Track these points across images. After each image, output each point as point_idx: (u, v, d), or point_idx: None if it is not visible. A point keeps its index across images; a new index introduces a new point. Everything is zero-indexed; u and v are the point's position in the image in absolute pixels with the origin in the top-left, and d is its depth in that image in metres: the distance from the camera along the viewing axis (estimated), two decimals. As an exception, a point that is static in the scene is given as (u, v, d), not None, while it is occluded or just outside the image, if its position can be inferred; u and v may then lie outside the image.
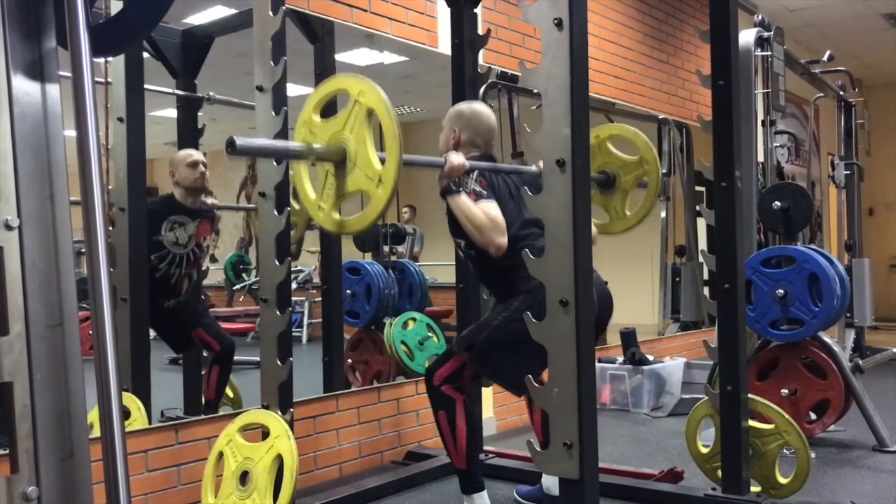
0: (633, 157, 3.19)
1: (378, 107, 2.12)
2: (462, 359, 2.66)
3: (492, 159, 2.78)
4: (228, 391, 3.69)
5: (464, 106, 2.84)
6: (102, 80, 2.86)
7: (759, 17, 4.22)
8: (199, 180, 3.39)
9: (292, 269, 3.12)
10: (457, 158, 2.53)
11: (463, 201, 2.53)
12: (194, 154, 3.41)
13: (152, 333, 3.40)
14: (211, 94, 3.69)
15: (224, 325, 4.52)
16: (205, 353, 3.57)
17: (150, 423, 2.89)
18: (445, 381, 2.65)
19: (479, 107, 2.84)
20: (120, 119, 3.00)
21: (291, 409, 2.47)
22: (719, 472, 2.81)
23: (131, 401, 2.82)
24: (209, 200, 3.53)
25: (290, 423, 2.39)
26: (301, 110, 2.32)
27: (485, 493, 2.70)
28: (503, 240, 2.51)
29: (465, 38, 3.37)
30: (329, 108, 2.35)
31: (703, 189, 6.40)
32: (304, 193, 2.35)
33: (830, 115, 6.45)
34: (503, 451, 3.46)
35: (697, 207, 6.32)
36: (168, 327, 3.45)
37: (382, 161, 2.13)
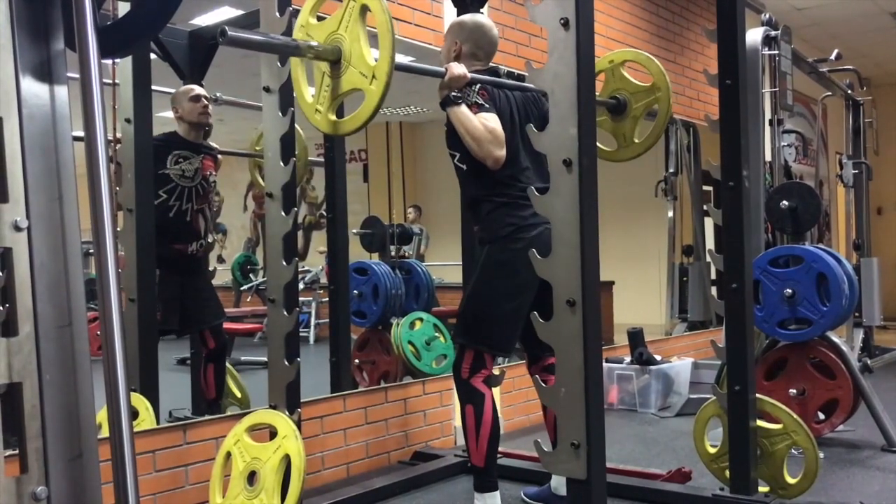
0: (646, 84, 3.16)
1: (372, 3, 2.10)
2: (470, 346, 2.68)
3: (495, 74, 2.76)
4: (236, 391, 3.70)
5: (466, 17, 2.81)
6: (110, 81, 2.88)
7: (767, 15, 4.21)
8: (202, 115, 3.40)
9: (299, 269, 3.13)
10: (458, 68, 2.50)
11: (463, 112, 2.52)
12: (196, 88, 3.42)
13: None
14: (218, 94, 3.70)
15: (232, 325, 4.53)
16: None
17: (158, 423, 2.90)
18: (472, 372, 2.65)
19: (482, 19, 2.81)
20: (128, 120, 3.01)
21: (299, 409, 2.47)
22: (727, 473, 2.80)
23: (139, 401, 2.83)
24: (211, 143, 3.55)
25: (298, 424, 2.40)
26: (300, 14, 2.29)
27: (497, 493, 2.68)
28: (501, 152, 2.51)
29: (472, 38, 3.36)
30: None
31: (710, 188, 6.40)
32: (302, 96, 2.33)
33: (838, 114, 6.43)
34: (510, 451, 3.46)
35: (705, 207, 6.31)
36: (188, 294, 3.43)
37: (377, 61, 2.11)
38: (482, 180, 2.61)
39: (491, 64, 2.79)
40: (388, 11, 2.07)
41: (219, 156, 3.64)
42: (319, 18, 2.27)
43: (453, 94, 2.54)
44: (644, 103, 3.15)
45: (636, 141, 3.19)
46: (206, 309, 3.55)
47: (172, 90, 3.54)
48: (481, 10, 3.42)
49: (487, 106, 2.54)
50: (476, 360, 2.65)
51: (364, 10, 2.12)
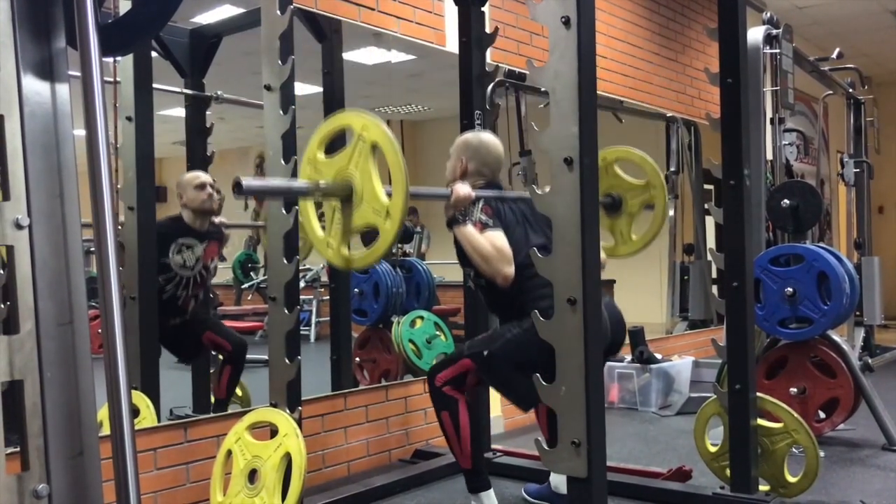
0: (640, 182, 3.18)
1: (382, 141, 2.15)
2: (467, 365, 2.63)
3: (498, 187, 2.79)
4: (237, 389, 3.70)
5: (471, 135, 2.85)
6: (111, 79, 2.88)
7: (768, 14, 4.21)
8: (206, 202, 3.39)
9: (300, 267, 3.12)
10: (462, 189, 2.54)
11: (469, 231, 2.53)
12: (202, 176, 3.41)
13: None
14: (219, 93, 3.70)
15: (232, 323, 4.53)
16: (214, 354, 3.58)
17: (159, 421, 2.90)
18: (447, 383, 2.64)
19: (487, 136, 2.84)
20: (129, 118, 3.01)
21: (300, 408, 2.47)
22: (728, 471, 2.80)
23: (140, 399, 2.84)
24: (217, 220, 3.53)
25: (299, 422, 2.40)
26: (307, 148, 2.35)
27: (491, 491, 2.69)
28: (510, 270, 2.51)
29: (473, 36, 3.37)
30: (335, 143, 2.36)
31: (711, 187, 6.39)
32: (312, 231, 2.37)
33: (840, 113, 6.42)
34: (511, 450, 3.46)
35: (706, 206, 6.31)
36: (175, 341, 3.45)
37: (389, 195, 2.14)
38: (504, 288, 2.57)
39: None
40: (399, 151, 2.11)
41: (226, 231, 3.63)
42: (327, 152, 2.30)
43: (458, 213, 2.56)
44: (639, 200, 3.18)
45: (634, 237, 3.22)
46: (193, 339, 3.52)
47: (174, 88, 3.54)
48: (482, 9, 3.43)
49: (492, 223, 2.55)
50: (457, 378, 2.63)
51: (374, 147, 2.15)
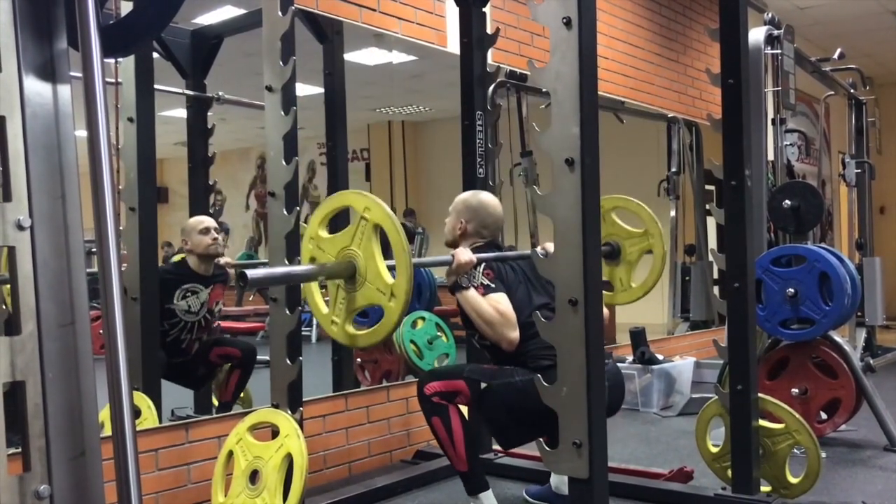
0: (639, 230, 3.20)
1: (385, 223, 2.19)
2: (461, 387, 2.61)
3: (497, 247, 2.80)
4: (238, 390, 3.70)
5: (470, 196, 2.85)
6: (113, 80, 2.88)
7: (769, 15, 4.20)
8: (211, 247, 3.40)
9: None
10: (464, 255, 2.55)
11: (472, 297, 2.54)
12: (206, 220, 3.43)
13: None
14: (220, 94, 3.70)
15: (234, 324, 4.53)
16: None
17: (160, 422, 2.91)
18: (436, 394, 2.62)
19: (486, 198, 2.84)
20: (130, 119, 3.01)
21: (301, 408, 2.47)
22: (729, 472, 2.80)
23: (142, 400, 2.84)
24: (221, 261, 3.54)
25: (300, 422, 2.40)
26: (308, 226, 2.39)
27: (490, 492, 2.68)
28: (514, 335, 2.51)
29: (474, 37, 3.37)
30: (336, 221, 2.41)
31: (712, 188, 6.39)
32: (317, 309, 2.41)
33: (841, 114, 6.42)
34: (512, 451, 3.46)
35: (707, 206, 6.31)
36: (181, 375, 3.47)
37: (391, 270, 2.17)
38: (508, 350, 2.57)
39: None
40: (402, 231, 2.15)
41: (231, 271, 3.63)
42: (331, 230, 2.35)
43: (460, 279, 2.56)
44: (638, 248, 3.19)
45: (633, 285, 3.22)
46: (200, 370, 3.53)
47: (175, 89, 3.54)
48: (484, 10, 3.43)
49: (494, 286, 2.56)
50: (447, 394, 2.61)
51: (377, 228, 2.19)
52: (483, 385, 2.59)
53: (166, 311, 3.28)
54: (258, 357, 4.85)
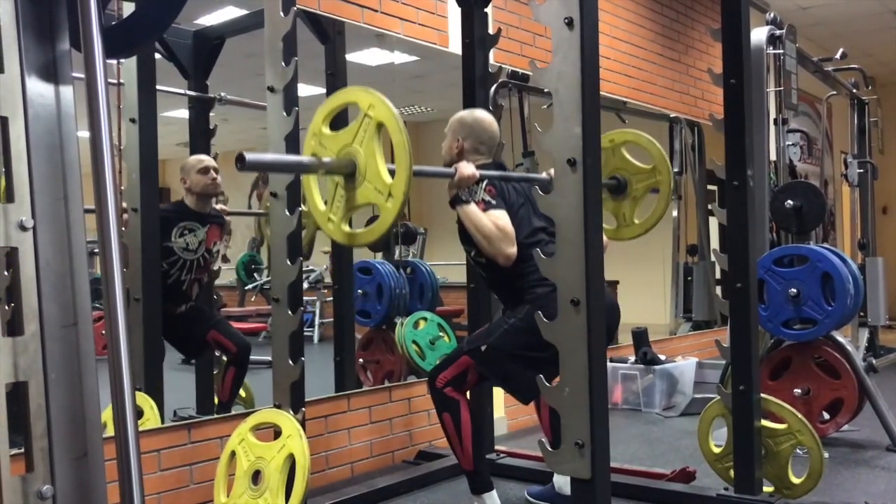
0: (647, 166, 3.17)
1: (388, 121, 2.13)
2: (466, 362, 2.65)
3: (501, 167, 2.79)
4: (241, 391, 3.70)
5: (465, 113, 2.84)
6: (115, 81, 2.88)
7: (772, 14, 4.20)
8: (210, 186, 3.40)
9: (304, 268, 3.12)
10: (467, 169, 2.53)
11: (472, 211, 2.53)
12: (205, 160, 3.42)
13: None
14: (222, 94, 3.70)
15: (236, 324, 4.54)
16: (218, 355, 3.58)
17: (162, 422, 2.90)
18: (448, 384, 2.64)
19: (481, 114, 2.83)
20: (132, 120, 3.01)
21: (303, 409, 2.47)
22: (732, 472, 2.80)
23: (144, 400, 2.84)
24: (218, 206, 3.54)
25: (302, 423, 2.40)
26: (311, 122, 2.33)
27: (494, 492, 2.69)
28: (512, 250, 2.52)
29: (476, 37, 3.37)
30: (339, 119, 2.35)
31: (715, 188, 6.38)
32: (314, 205, 2.36)
33: (843, 114, 6.42)
34: (514, 451, 3.46)
35: (709, 206, 6.30)
36: (180, 334, 3.45)
37: (392, 173, 2.13)
38: (504, 268, 2.57)
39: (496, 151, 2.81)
40: (405, 131, 2.10)
41: (227, 217, 3.64)
42: (332, 127, 2.30)
43: (462, 193, 2.55)
44: (644, 184, 3.17)
45: (636, 221, 3.20)
46: (198, 332, 3.52)
47: (177, 90, 3.54)
48: (485, 10, 3.43)
49: (495, 202, 2.55)
50: (458, 378, 2.64)
51: (380, 126, 2.14)
52: (483, 348, 2.62)
53: (165, 249, 3.26)
54: (260, 358, 4.87)
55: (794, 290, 3.60)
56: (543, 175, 2.69)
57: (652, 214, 3.21)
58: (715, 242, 6.37)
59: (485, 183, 2.58)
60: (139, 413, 2.79)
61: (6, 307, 1.18)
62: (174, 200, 3.50)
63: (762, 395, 2.83)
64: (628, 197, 3.19)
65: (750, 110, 2.80)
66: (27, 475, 1.16)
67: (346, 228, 2.27)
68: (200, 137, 3.70)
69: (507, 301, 2.71)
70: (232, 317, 5.15)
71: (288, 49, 2.46)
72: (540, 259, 2.02)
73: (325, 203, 2.33)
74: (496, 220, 2.51)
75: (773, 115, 4.53)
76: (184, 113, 3.74)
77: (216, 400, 3.57)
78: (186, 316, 3.44)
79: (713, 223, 6.36)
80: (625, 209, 3.21)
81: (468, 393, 2.75)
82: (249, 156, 2.00)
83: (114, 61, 2.76)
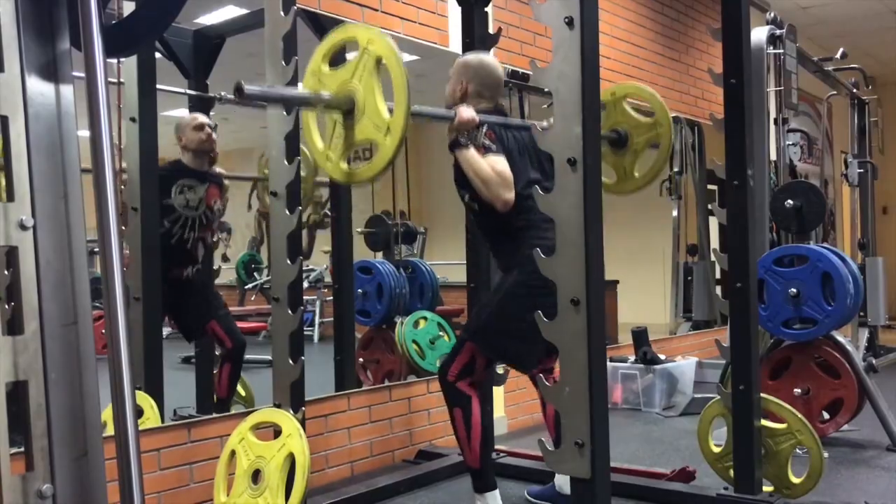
0: (648, 119, 3.15)
1: (387, 55, 2.10)
2: (471, 348, 2.66)
3: (502, 112, 2.75)
4: (241, 390, 3.70)
5: (470, 57, 2.81)
6: (115, 80, 2.88)
7: (772, 14, 4.20)
8: (205, 142, 3.41)
9: (304, 268, 3.13)
10: (467, 112, 2.51)
11: (471, 155, 2.52)
12: (199, 117, 3.44)
13: (165, 331, 3.41)
14: (223, 93, 3.70)
15: (236, 323, 4.54)
16: (216, 351, 3.59)
17: (162, 421, 2.91)
18: (460, 375, 2.65)
19: (487, 57, 2.81)
20: (133, 119, 3.01)
21: (303, 408, 2.48)
22: (731, 472, 2.80)
23: (144, 399, 2.84)
24: (217, 170, 3.56)
25: (302, 422, 2.40)
26: (311, 60, 2.30)
27: (497, 492, 2.69)
28: (510, 195, 2.51)
29: (476, 36, 3.36)
30: (339, 59, 2.32)
31: (715, 187, 6.39)
32: (313, 143, 2.32)
33: (844, 113, 6.42)
34: (514, 451, 3.46)
35: (710, 206, 6.30)
36: (183, 308, 3.45)
37: (391, 110, 2.10)
38: (496, 215, 2.58)
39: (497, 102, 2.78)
40: (403, 65, 2.08)
41: (226, 181, 3.64)
42: (332, 64, 2.27)
43: (461, 136, 2.54)
44: (645, 138, 3.15)
45: (636, 175, 3.19)
46: (206, 310, 3.54)
47: (178, 89, 3.54)
48: (486, 10, 3.43)
49: (495, 148, 2.54)
50: (467, 366, 2.65)
51: (379, 61, 2.12)
52: (477, 328, 2.65)
53: (166, 207, 3.26)
54: (260, 357, 4.87)
55: (794, 290, 3.60)
56: (544, 123, 2.67)
57: (652, 167, 3.19)
58: (715, 242, 6.38)
59: (485, 128, 2.56)
60: (139, 412, 2.79)
61: (6, 306, 1.18)
62: (171, 160, 3.48)
63: (762, 394, 2.83)
64: (629, 150, 3.17)
65: (750, 110, 2.80)
66: (27, 474, 1.16)
67: (344, 166, 2.24)
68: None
69: (498, 254, 2.73)
70: (232, 316, 5.15)
71: (288, 48, 2.46)
72: (539, 258, 2.02)
73: (324, 143, 2.29)
74: (494, 165, 2.50)
75: (773, 114, 4.53)
76: (184, 112, 3.74)
77: (215, 398, 3.57)
78: (193, 286, 3.44)
79: (713, 223, 6.36)
80: (625, 163, 3.19)
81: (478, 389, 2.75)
82: (248, 86, 1.99)
83: (114, 60, 2.76)
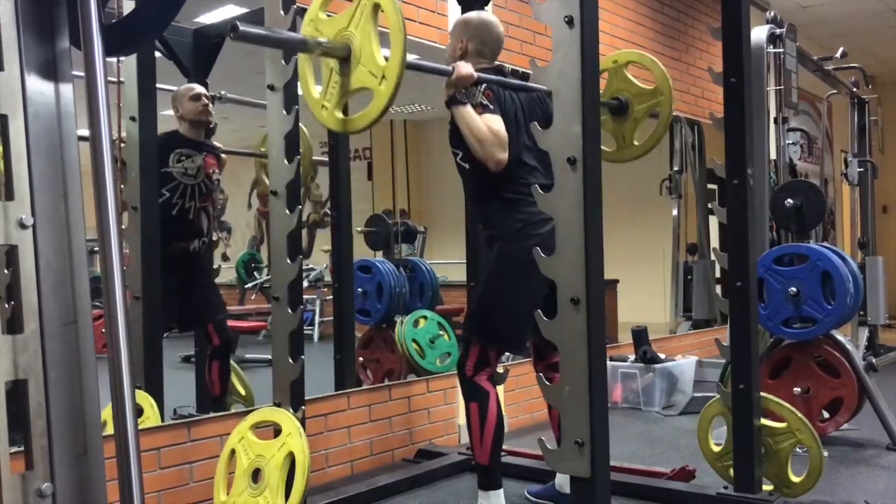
0: (649, 87, 3.15)
1: (384, 1, 2.09)
2: (478, 342, 2.68)
3: (501, 72, 2.74)
4: (241, 389, 3.71)
5: (472, 15, 2.79)
6: (115, 79, 2.88)
7: (772, 13, 4.20)
8: (202, 113, 3.41)
9: (304, 267, 3.13)
10: (465, 68, 2.48)
11: (467, 112, 2.51)
12: (195, 87, 3.44)
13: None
14: (222, 92, 3.70)
15: (236, 323, 4.55)
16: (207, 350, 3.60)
17: (162, 420, 2.91)
18: (476, 369, 2.65)
19: (487, 16, 2.80)
20: (132, 118, 3.01)
21: (303, 407, 2.48)
22: (731, 471, 2.80)
23: (144, 399, 2.84)
24: (216, 143, 3.57)
25: (302, 421, 2.40)
26: (310, 8, 2.28)
27: (501, 491, 2.68)
28: (503, 155, 2.50)
29: (476, 36, 3.36)
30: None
31: (715, 187, 6.39)
32: (308, 92, 2.30)
33: (844, 113, 6.42)
34: (514, 450, 3.46)
35: (710, 205, 6.31)
36: (187, 290, 3.44)
37: (387, 59, 2.09)
38: (487, 178, 2.59)
39: (496, 62, 2.78)
40: (401, 12, 2.06)
41: (223, 155, 3.65)
42: (329, 14, 2.25)
43: (459, 93, 2.53)
44: (646, 106, 3.13)
45: (636, 143, 3.18)
46: (208, 305, 3.56)
47: (177, 88, 3.53)
48: (486, 8, 3.43)
49: (492, 107, 2.52)
50: (481, 358, 2.65)
51: (376, 8, 2.11)
52: (471, 324, 2.70)
53: (164, 175, 3.25)
54: (261, 356, 4.87)
55: (794, 289, 3.60)
56: (543, 87, 2.66)
57: (651, 136, 3.17)
58: (715, 241, 6.38)
59: (483, 86, 2.54)
60: (139, 411, 2.79)
61: (6, 305, 1.18)
62: (168, 130, 3.47)
63: (762, 393, 2.83)
64: (629, 118, 3.15)
65: (750, 109, 2.80)
66: (27, 473, 1.17)
67: (340, 115, 2.22)
68: (200, 136, 3.69)
69: (482, 217, 2.76)
70: (232, 315, 5.15)
71: (288, 47, 2.46)
72: (540, 259, 2.02)
73: (320, 93, 2.26)
74: (490, 124, 2.49)
75: (773, 113, 4.53)
76: (184, 111, 3.74)
77: (211, 397, 3.58)
78: (202, 263, 3.45)
79: (713, 222, 6.37)
80: (625, 130, 3.17)
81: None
82: (243, 27, 1.98)
83: (114, 59, 2.76)
